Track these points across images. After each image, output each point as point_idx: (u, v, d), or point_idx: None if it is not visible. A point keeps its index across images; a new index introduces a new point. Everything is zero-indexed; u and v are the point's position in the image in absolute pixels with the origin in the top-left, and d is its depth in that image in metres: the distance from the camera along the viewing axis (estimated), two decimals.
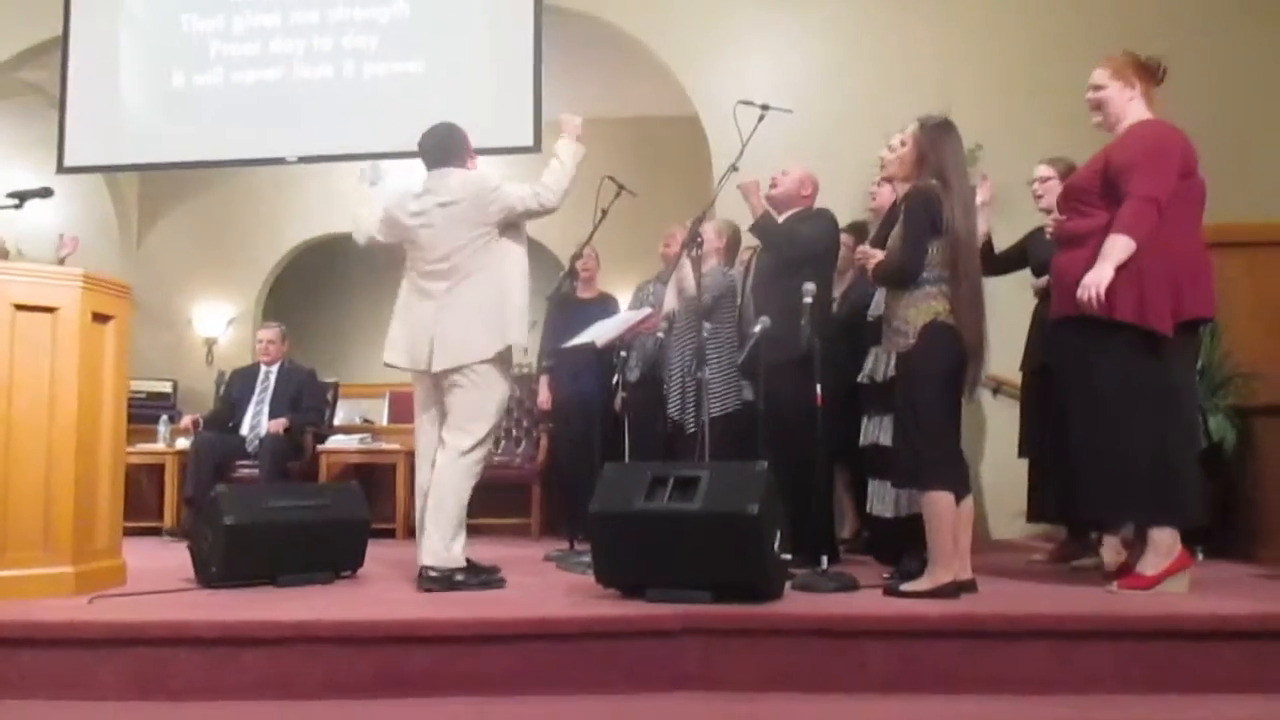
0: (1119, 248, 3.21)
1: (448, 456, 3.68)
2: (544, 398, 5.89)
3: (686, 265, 4.50)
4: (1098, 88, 3.48)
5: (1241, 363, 4.60)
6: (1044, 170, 4.28)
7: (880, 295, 3.84)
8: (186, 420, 6.27)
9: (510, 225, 3.83)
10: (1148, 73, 3.46)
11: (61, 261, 5.02)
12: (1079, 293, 3.22)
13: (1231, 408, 4.40)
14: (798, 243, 4.21)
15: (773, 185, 4.45)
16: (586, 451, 4.98)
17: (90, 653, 2.77)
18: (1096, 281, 3.20)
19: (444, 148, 3.91)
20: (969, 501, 3.34)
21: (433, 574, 3.56)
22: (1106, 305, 3.20)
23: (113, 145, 7.00)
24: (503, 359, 3.75)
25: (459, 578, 3.57)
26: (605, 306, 5.57)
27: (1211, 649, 2.75)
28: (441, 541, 3.59)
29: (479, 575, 3.64)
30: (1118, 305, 3.22)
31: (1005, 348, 4.62)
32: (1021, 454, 4.51)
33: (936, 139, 3.39)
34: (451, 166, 3.87)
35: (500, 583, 3.66)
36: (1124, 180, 3.28)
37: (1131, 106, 3.44)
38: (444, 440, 3.72)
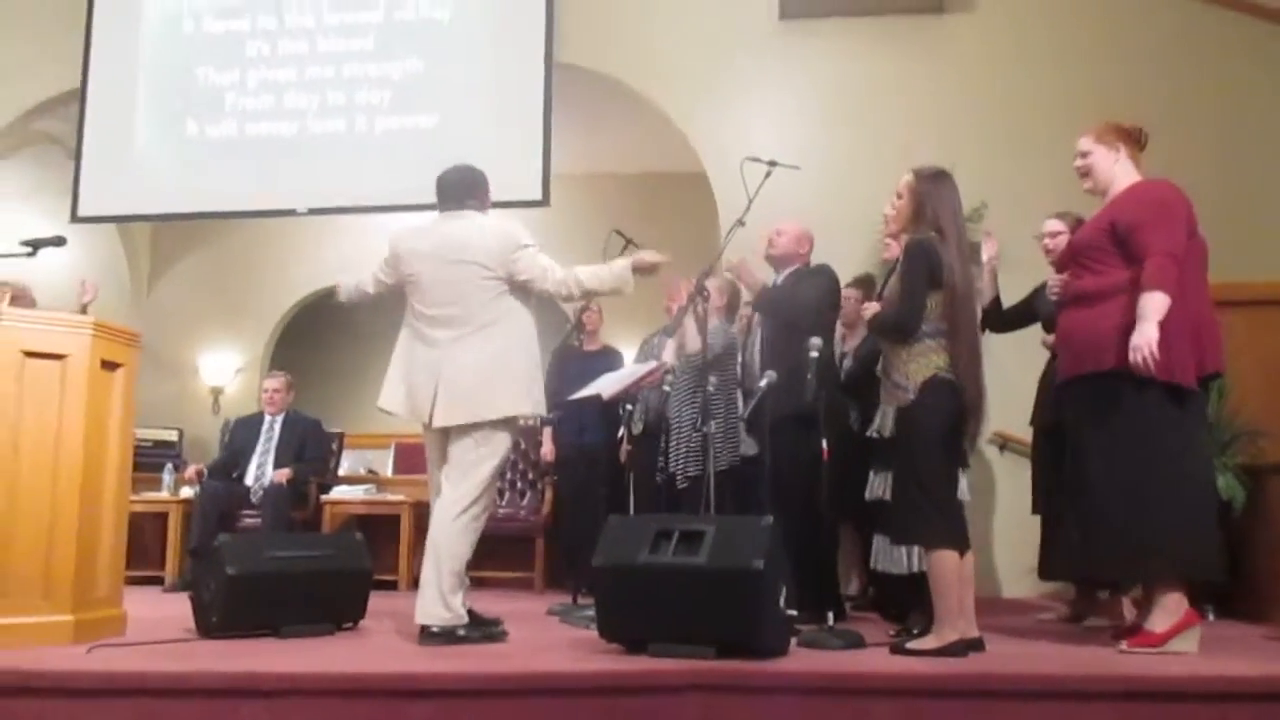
0: (1156, 304, 3.20)
1: (446, 513, 3.59)
2: (547, 449, 5.89)
3: (690, 320, 4.51)
4: (1084, 154, 3.56)
5: (1248, 421, 4.59)
6: (1054, 225, 4.28)
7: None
8: (192, 470, 6.25)
9: (521, 287, 3.72)
10: (1130, 138, 3.54)
11: (84, 309, 5.08)
12: (1131, 356, 3.17)
13: (1240, 466, 4.38)
14: (799, 307, 4.22)
15: (770, 245, 4.48)
16: (590, 504, 4.96)
17: (88, 703, 2.74)
18: (1147, 341, 3.16)
19: (464, 186, 3.80)
20: (970, 558, 3.31)
21: (434, 630, 3.50)
22: (1148, 364, 3.17)
23: (126, 195, 7.09)
24: (508, 421, 3.65)
25: (461, 632, 3.51)
26: (609, 359, 5.60)
27: (1220, 711, 2.71)
28: (440, 600, 3.51)
29: (481, 628, 3.60)
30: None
31: (1009, 404, 4.63)
32: (1035, 511, 4.49)
33: (932, 190, 3.40)
34: (468, 210, 3.77)
35: (502, 635, 3.62)
36: (1136, 238, 3.30)
37: (1119, 169, 3.51)
38: (443, 494, 3.64)
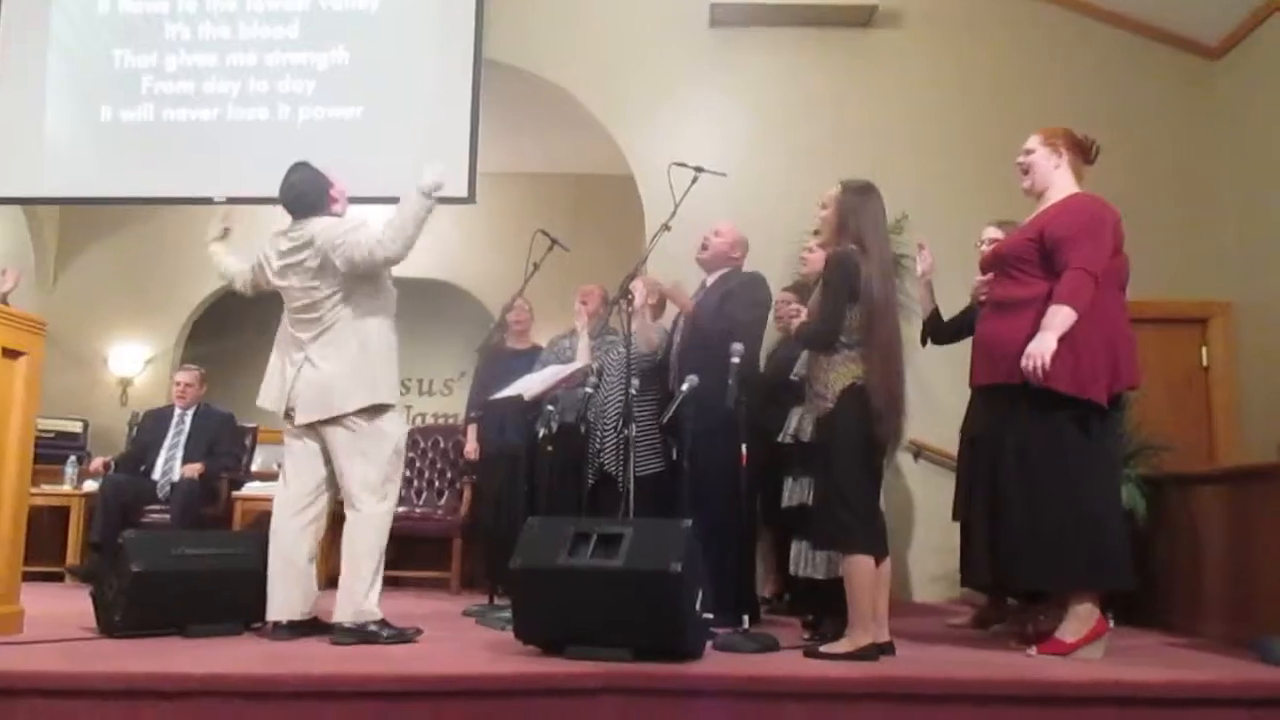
0: (1061, 318, 3.28)
1: (353, 515, 3.64)
2: (471, 448, 5.84)
3: (648, 321, 4.51)
4: (1028, 152, 3.62)
5: (1151, 434, 4.74)
6: (993, 232, 4.32)
7: (805, 356, 3.89)
8: (98, 463, 6.07)
9: (366, 277, 3.74)
10: (1079, 148, 3.60)
11: (4, 297, 4.92)
12: (1023, 362, 3.26)
13: (1141, 477, 4.52)
14: (733, 323, 4.21)
15: (703, 247, 4.49)
16: (511, 504, 4.93)
17: None
18: (1041, 351, 3.24)
19: (302, 201, 3.84)
20: (887, 564, 3.36)
21: (346, 626, 3.50)
22: (1047, 376, 3.25)
23: (34, 177, 6.83)
24: (376, 411, 3.68)
25: (372, 628, 3.52)
26: (537, 358, 5.56)
27: (1123, 715, 2.80)
28: (352, 595, 3.54)
29: (393, 629, 3.57)
30: (1054, 375, 3.28)
31: (928, 412, 4.72)
32: (955, 517, 4.57)
33: (857, 204, 3.45)
34: (310, 217, 3.80)
35: (415, 636, 3.59)
36: (1061, 251, 3.37)
37: (1056, 175, 3.56)
38: (348, 498, 3.66)
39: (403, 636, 3.55)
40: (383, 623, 3.55)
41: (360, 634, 3.49)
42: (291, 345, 3.78)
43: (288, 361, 3.77)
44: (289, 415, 3.73)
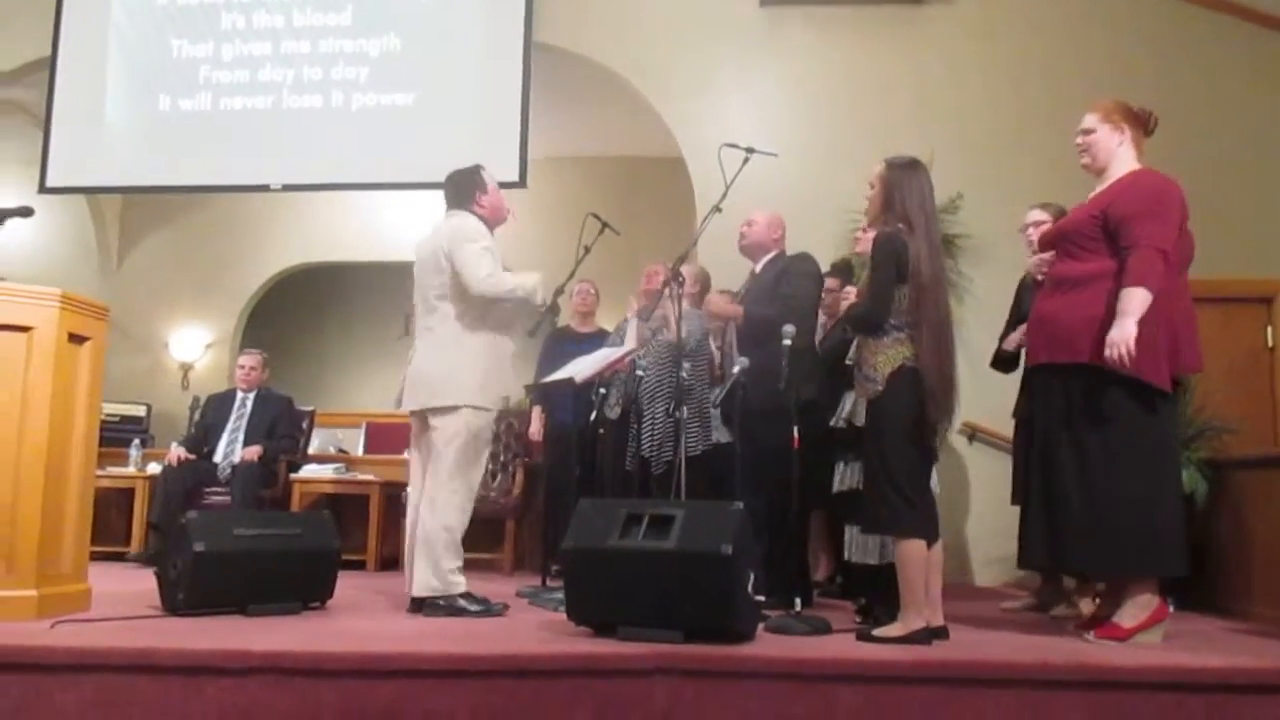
0: (1138, 300, 3.19)
1: (426, 501, 3.84)
2: (534, 429, 5.87)
3: (669, 306, 4.51)
4: (1087, 131, 3.51)
5: (1212, 416, 4.65)
6: (1037, 214, 4.27)
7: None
8: (172, 455, 5.97)
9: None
10: (1138, 121, 3.49)
11: None
12: (1107, 351, 3.17)
13: (1203, 460, 4.43)
14: (788, 302, 4.19)
15: (742, 237, 4.47)
16: (565, 487, 4.97)
17: (51, 678, 2.72)
18: (1124, 338, 3.15)
19: (451, 189, 4.05)
20: (939, 547, 3.33)
21: (440, 602, 3.72)
22: (1123, 361, 3.17)
23: (96, 167, 7.00)
24: (460, 409, 3.80)
25: (460, 603, 3.73)
26: (602, 341, 5.57)
27: (1178, 701, 2.75)
28: (430, 572, 3.74)
29: (480, 603, 3.78)
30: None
31: (982, 395, 4.66)
32: (1014, 501, 4.51)
33: (902, 180, 3.39)
34: (457, 209, 4.00)
35: (501, 610, 3.79)
36: (1128, 229, 3.28)
37: (1120, 152, 3.46)
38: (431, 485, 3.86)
39: (489, 610, 3.75)
40: (469, 595, 3.77)
41: (449, 608, 3.71)
42: (416, 338, 4.02)
43: (412, 351, 4.01)
44: (400, 401, 4.00)
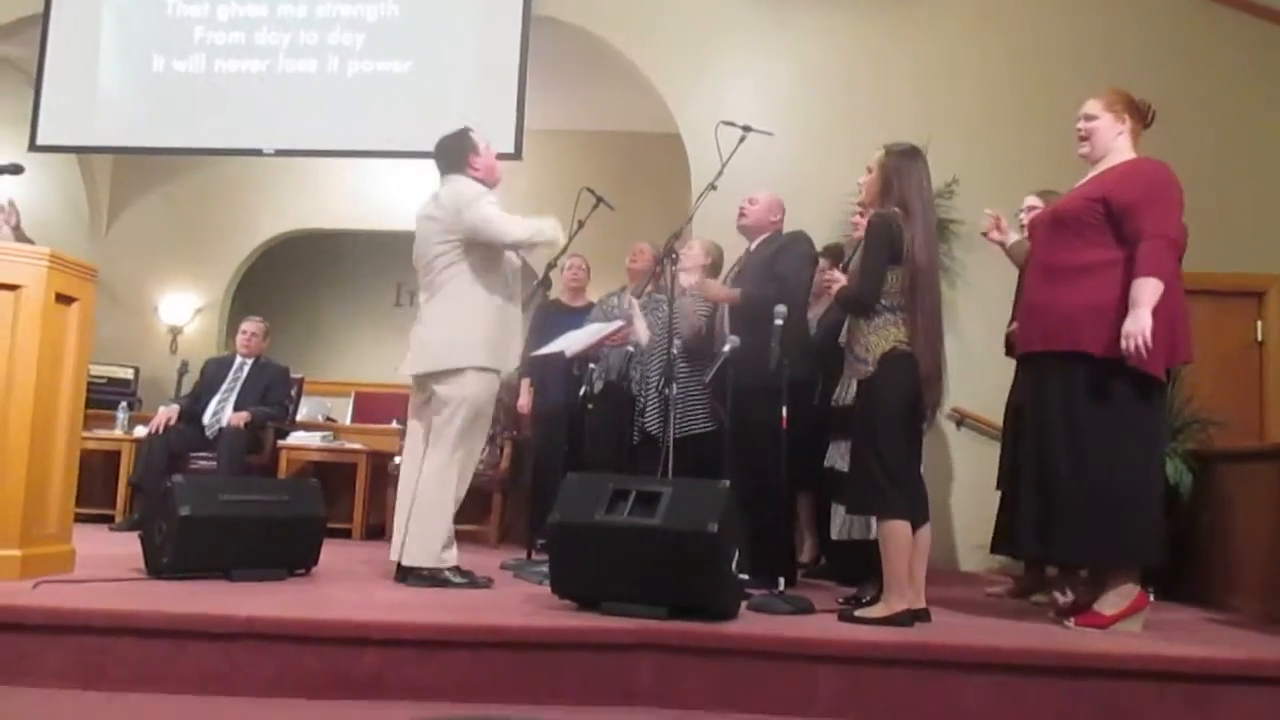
0: (1150, 291, 3.17)
1: (425, 466, 3.81)
2: (523, 402, 5.86)
3: (685, 302, 4.51)
4: (1089, 118, 3.49)
5: (1200, 409, 4.66)
6: (1033, 200, 4.27)
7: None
8: (161, 417, 5.89)
9: (485, 249, 3.83)
10: (1138, 113, 3.49)
11: (17, 232, 4.90)
12: (1123, 343, 3.15)
13: (1189, 452, 4.45)
14: (782, 282, 4.19)
15: (741, 215, 4.46)
16: (553, 460, 4.97)
17: (33, 638, 2.72)
18: (1140, 330, 3.13)
19: (442, 156, 3.98)
20: (926, 530, 3.35)
21: (425, 573, 3.70)
22: (1140, 353, 3.15)
23: (87, 126, 6.93)
24: (462, 373, 3.77)
25: (446, 574, 3.72)
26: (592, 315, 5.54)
27: (1157, 689, 2.78)
28: (423, 542, 3.72)
29: (466, 575, 3.76)
30: (1116, 348, 3.19)
31: (971, 380, 4.67)
32: (999, 486, 4.52)
33: (901, 167, 3.40)
34: (452, 174, 3.93)
35: (487, 583, 3.77)
36: (1132, 218, 3.26)
37: (1119, 141, 3.46)
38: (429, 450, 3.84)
39: (474, 583, 3.73)
40: (456, 569, 3.74)
41: (434, 579, 3.69)
42: (421, 305, 3.97)
43: (416, 323, 3.95)
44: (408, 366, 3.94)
